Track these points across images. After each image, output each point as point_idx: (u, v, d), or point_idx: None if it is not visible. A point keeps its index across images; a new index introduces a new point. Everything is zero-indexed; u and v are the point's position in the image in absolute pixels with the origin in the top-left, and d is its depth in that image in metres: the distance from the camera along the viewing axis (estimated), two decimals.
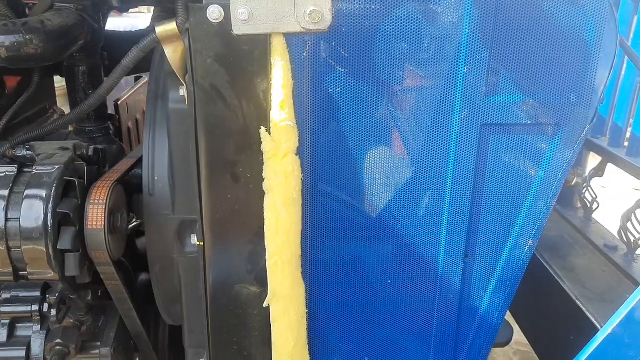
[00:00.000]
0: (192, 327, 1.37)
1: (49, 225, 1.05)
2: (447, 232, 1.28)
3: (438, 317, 1.36)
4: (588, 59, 1.14)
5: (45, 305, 1.27)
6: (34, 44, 1.22)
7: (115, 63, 1.58)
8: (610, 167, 2.05)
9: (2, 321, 1.28)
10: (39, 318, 1.28)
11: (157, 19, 1.83)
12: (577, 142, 1.21)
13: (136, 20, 3.59)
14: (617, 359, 1.17)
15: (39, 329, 1.28)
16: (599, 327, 1.52)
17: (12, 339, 1.28)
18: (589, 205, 2.15)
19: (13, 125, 1.44)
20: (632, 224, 1.83)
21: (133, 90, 1.93)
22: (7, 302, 1.29)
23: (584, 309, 1.60)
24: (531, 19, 1.12)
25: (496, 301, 1.35)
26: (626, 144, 1.98)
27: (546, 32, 1.12)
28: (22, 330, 1.29)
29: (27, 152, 1.21)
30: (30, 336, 1.28)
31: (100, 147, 1.31)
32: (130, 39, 1.75)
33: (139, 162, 1.31)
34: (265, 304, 1.27)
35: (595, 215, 2.17)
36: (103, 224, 1.10)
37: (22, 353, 1.26)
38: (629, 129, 1.98)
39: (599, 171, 2.09)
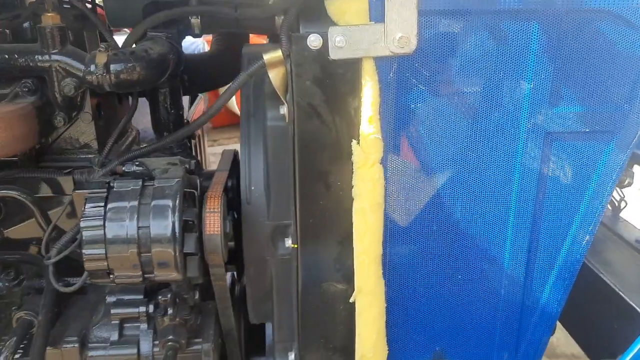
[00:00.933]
0: (282, 323, 1.50)
1: (177, 232, 1.18)
2: (513, 230, 1.41)
3: (503, 308, 1.50)
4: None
5: (151, 307, 1.41)
6: (137, 70, 1.35)
7: (192, 85, 1.72)
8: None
9: (112, 322, 1.41)
10: (146, 318, 1.41)
11: (217, 42, 1.97)
12: (629, 146, 1.35)
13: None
14: None
15: (146, 327, 1.41)
16: None
17: (122, 338, 1.41)
18: (616, 204, 2.29)
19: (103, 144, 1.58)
20: None
21: (194, 108, 2.07)
22: (114, 305, 1.42)
23: (626, 298, 1.75)
24: (589, 39, 1.26)
25: (555, 292, 1.49)
26: None
27: (603, 50, 1.27)
28: (129, 330, 1.42)
29: (137, 167, 1.34)
30: (137, 335, 1.41)
31: (195, 161, 1.44)
32: (202, 61, 1.90)
33: (232, 174, 1.45)
34: (351, 300, 1.41)
35: (622, 214, 2.32)
36: (220, 229, 1.24)
37: (133, 350, 1.39)
38: None
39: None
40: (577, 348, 3.51)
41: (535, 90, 1.29)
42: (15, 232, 1.49)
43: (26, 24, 1.44)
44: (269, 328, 1.91)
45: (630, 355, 1.43)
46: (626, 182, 1.42)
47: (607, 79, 1.30)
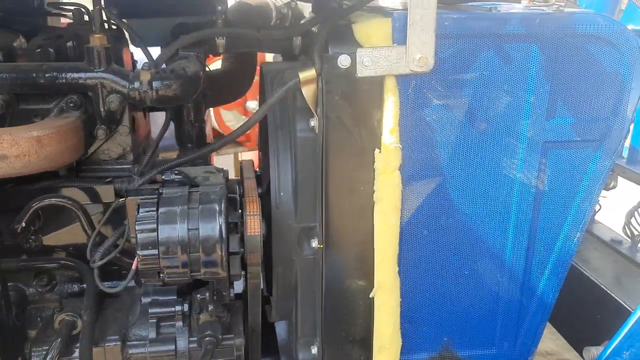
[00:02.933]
0: (305, 319, 1.63)
1: (223, 234, 1.30)
2: (514, 229, 1.58)
3: (505, 299, 1.66)
4: (623, 88, 1.48)
5: (185, 305, 1.51)
6: (176, 87, 1.47)
7: (209, 99, 1.84)
8: None
9: (150, 321, 1.51)
10: (181, 316, 1.51)
11: (229, 60, 2.10)
12: (614, 152, 1.54)
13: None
14: None
15: (182, 325, 1.51)
16: (624, 305, 1.86)
17: (159, 336, 1.51)
18: None
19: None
20: (635, 219, 2.19)
21: None
22: (151, 305, 1.52)
23: (608, 290, 1.94)
24: (581, 59, 1.45)
25: (550, 284, 1.66)
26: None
27: (592, 68, 1.46)
28: (165, 328, 1.52)
29: (176, 176, 1.45)
30: (174, 332, 1.51)
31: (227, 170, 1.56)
32: (216, 78, 2.02)
33: (260, 180, 1.58)
34: (371, 295, 1.55)
35: (597, 217, 2.53)
36: (260, 231, 1.36)
37: (171, 347, 1.49)
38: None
39: None
40: (550, 345, 3.74)
41: (534, 104, 1.47)
42: (51, 239, 1.58)
43: (69, 43, 1.53)
44: (279, 327, 2.03)
45: (617, 340, 1.61)
46: (611, 185, 1.60)
47: (595, 94, 1.48)
